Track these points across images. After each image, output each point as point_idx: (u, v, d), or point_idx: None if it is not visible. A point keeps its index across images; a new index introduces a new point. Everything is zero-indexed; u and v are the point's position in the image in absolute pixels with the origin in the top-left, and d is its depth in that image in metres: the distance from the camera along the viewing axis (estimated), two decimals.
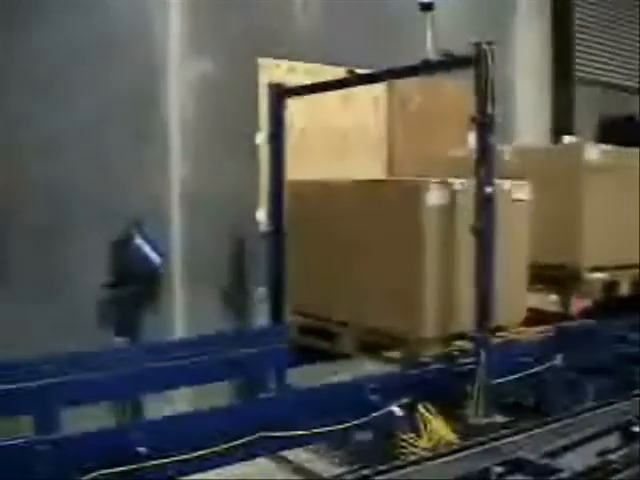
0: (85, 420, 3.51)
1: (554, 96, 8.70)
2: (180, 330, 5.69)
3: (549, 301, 5.20)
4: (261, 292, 5.63)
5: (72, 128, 5.17)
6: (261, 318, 5.67)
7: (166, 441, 3.09)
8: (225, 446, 3.18)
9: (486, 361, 3.85)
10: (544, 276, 4.82)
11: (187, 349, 4.49)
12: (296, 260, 4.98)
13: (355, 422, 3.60)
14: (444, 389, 3.93)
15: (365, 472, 3.28)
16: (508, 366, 4.16)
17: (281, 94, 5.17)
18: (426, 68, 4.38)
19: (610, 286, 5.04)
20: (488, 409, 3.83)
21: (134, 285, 5.36)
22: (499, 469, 3.28)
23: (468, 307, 4.07)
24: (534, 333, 4.65)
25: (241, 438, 3.24)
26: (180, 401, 5.22)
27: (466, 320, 4.13)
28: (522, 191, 4.52)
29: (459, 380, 3.94)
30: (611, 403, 4.13)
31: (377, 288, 4.36)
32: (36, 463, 2.86)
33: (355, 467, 3.72)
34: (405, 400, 3.75)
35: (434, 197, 4.12)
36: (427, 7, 4.43)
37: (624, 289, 5.14)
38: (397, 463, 3.40)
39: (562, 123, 8.56)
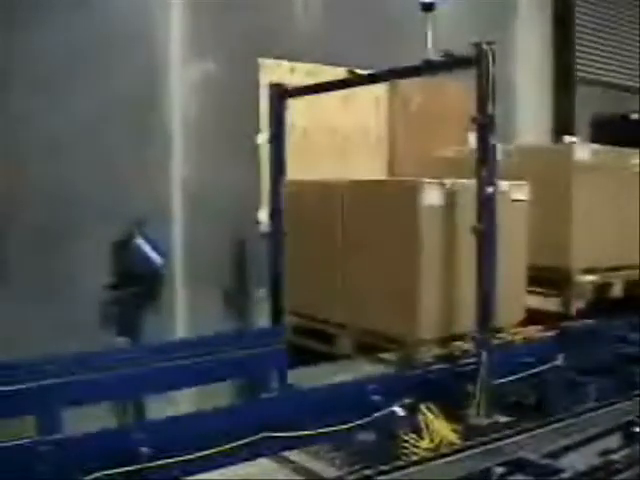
0: (86, 421, 3.51)
1: (555, 96, 8.70)
2: (181, 330, 5.69)
3: (546, 302, 5.14)
4: (262, 293, 5.64)
5: (73, 128, 5.16)
6: (262, 319, 5.68)
7: (169, 442, 3.10)
8: (228, 446, 3.19)
9: (487, 361, 3.85)
10: (537, 278, 4.74)
11: (186, 350, 4.50)
12: (294, 261, 4.97)
13: (357, 422, 3.60)
14: (446, 389, 3.94)
15: (367, 472, 3.29)
16: (509, 366, 4.16)
17: (282, 94, 5.17)
18: (427, 68, 4.37)
19: (602, 288, 4.98)
20: (490, 409, 3.84)
21: (135, 286, 5.36)
22: (501, 469, 3.29)
23: (466, 308, 4.08)
24: (535, 333, 4.66)
25: (244, 438, 3.24)
26: (180, 401, 5.21)
27: (464, 321, 4.13)
28: (521, 191, 4.51)
29: (461, 381, 3.95)
30: (612, 403, 4.14)
31: (374, 289, 4.35)
32: (39, 464, 2.87)
33: (357, 467, 3.72)
34: (407, 400, 3.75)
35: (430, 197, 4.12)
36: (428, 7, 4.42)
37: (617, 291, 5.07)
38: (399, 463, 3.42)
39: (563, 123, 8.55)
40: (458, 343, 4.22)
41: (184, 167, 5.74)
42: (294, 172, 5.17)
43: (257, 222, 5.93)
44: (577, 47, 8.88)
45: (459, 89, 5.60)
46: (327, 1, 6.48)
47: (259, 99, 5.87)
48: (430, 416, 3.74)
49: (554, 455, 3.39)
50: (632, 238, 5.17)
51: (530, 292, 4.76)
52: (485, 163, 3.89)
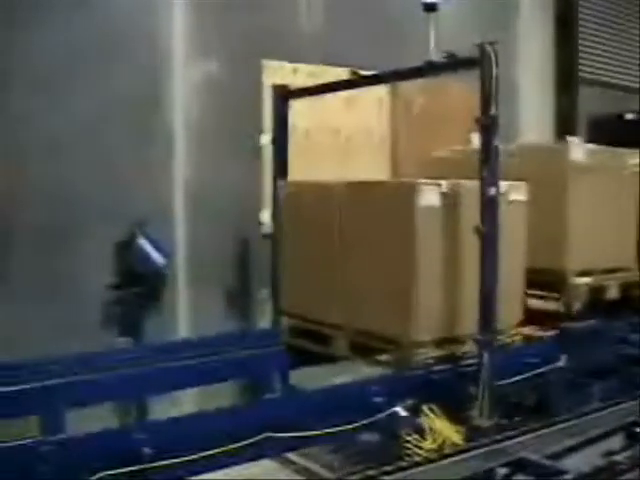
0: (89, 421, 3.51)
1: (557, 97, 8.69)
2: (183, 331, 5.69)
3: (543, 304, 5.07)
4: (264, 293, 5.64)
5: (75, 129, 5.17)
6: (264, 319, 5.68)
7: (171, 442, 3.10)
8: (231, 447, 3.19)
9: (490, 363, 3.84)
10: (532, 280, 4.64)
11: (188, 350, 4.51)
12: (291, 261, 4.96)
13: (360, 423, 3.60)
14: (448, 390, 3.93)
15: (370, 473, 3.29)
16: (512, 367, 4.16)
17: (285, 95, 5.17)
18: (430, 69, 4.37)
19: (598, 290, 4.90)
20: (492, 410, 3.83)
21: (138, 286, 5.36)
22: (504, 470, 3.29)
23: (463, 309, 4.07)
24: (535, 334, 4.65)
25: (247, 439, 3.24)
26: (181, 401, 5.22)
27: (461, 323, 4.12)
28: (519, 192, 4.48)
29: (463, 382, 3.94)
30: (615, 404, 4.13)
31: (371, 290, 4.32)
32: (42, 464, 2.87)
33: (360, 468, 3.72)
34: (409, 401, 3.75)
35: (427, 198, 4.09)
36: (431, 8, 4.42)
37: (613, 293, 4.99)
38: (402, 464, 3.42)
39: (565, 123, 8.55)
40: (456, 345, 4.18)
41: (186, 168, 5.75)
42: (296, 173, 5.17)
43: (259, 223, 5.94)
44: (580, 47, 8.87)
45: (461, 90, 5.60)
46: (329, 2, 6.48)
47: (262, 100, 5.88)
48: (433, 417, 3.73)
49: (557, 456, 3.40)
50: (629, 240, 5.13)
51: (526, 295, 4.70)
52: (487, 164, 3.89)
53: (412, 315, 4.08)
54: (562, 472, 3.21)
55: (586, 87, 8.87)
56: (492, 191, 3.89)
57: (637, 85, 9.46)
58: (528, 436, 3.70)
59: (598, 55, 9.18)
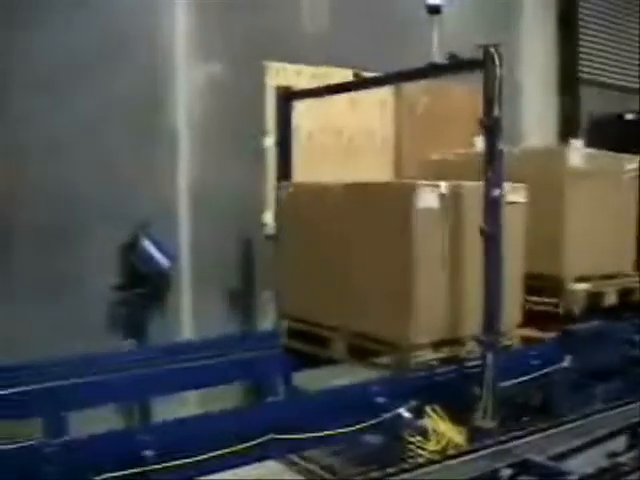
0: (93, 423, 3.51)
1: (561, 98, 8.67)
2: (187, 332, 5.69)
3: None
4: (267, 295, 5.64)
5: (78, 129, 5.17)
6: (267, 321, 5.68)
7: (176, 444, 3.10)
8: (236, 448, 3.19)
9: (494, 364, 3.84)
10: (530, 286, 4.58)
11: (191, 352, 4.51)
12: (291, 263, 4.94)
13: (363, 425, 3.60)
14: (452, 392, 3.93)
15: (374, 474, 3.29)
16: (515, 369, 4.15)
17: (288, 97, 5.17)
18: (433, 71, 4.37)
19: (596, 296, 4.85)
20: (496, 412, 3.82)
21: (141, 287, 5.37)
22: (508, 471, 3.29)
23: (463, 312, 4.06)
24: (535, 335, 4.64)
25: (252, 440, 3.24)
26: (184, 403, 5.22)
27: (460, 324, 4.10)
28: (518, 194, 4.46)
29: (467, 383, 3.94)
30: (620, 405, 4.13)
31: (369, 292, 4.29)
32: (46, 466, 2.87)
33: (364, 469, 3.72)
34: (413, 403, 3.75)
35: (425, 200, 4.07)
36: (435, 10, 4.42)
37: (611, 299, 4.93)
38: (405, 466, 3.41)
39: (568, 125, 8.53)
40: (454, 347, 4.17)
41: (190, 169, 5.75)
42: (299, 174, 5.17)
43: (262, 224, 5.94)
44: (583, 49, 8.86)
45: (464, 91, 5.59)
46: (333, 4, 6.48)
47: (265, 101, 5.88)
48: (436, 418, 3.72)
49: (562, 457, 3.39)
50: (627, 245, 5.08)
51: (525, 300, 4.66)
52: (491, 165, 3.89)
53: (410, 317, 4.05)
54: (566, 473, 3.20)
55: (586, 87, 8.86)
56: (496, 192, 3.88)
57: (637, 85, 9.45)
58: (532, 437, 3.70)
59: (598, 55, 9.16)
